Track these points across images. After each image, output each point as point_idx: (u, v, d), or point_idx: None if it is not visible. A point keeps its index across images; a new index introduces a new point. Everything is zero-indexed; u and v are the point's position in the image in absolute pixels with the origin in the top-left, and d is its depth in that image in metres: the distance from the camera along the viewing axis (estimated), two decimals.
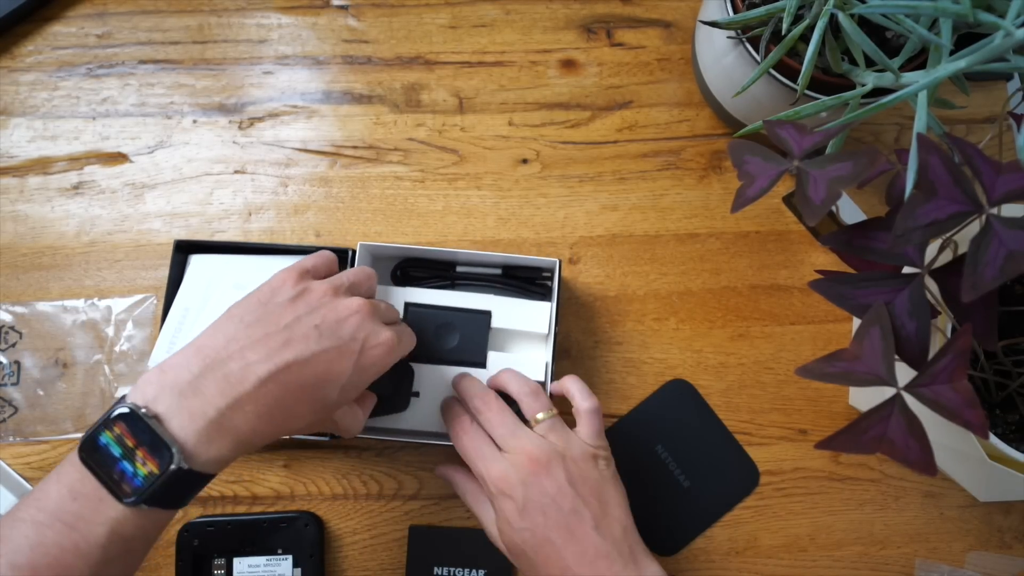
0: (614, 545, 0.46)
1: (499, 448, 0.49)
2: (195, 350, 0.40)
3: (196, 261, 0.63)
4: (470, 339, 0.58)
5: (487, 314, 0.58)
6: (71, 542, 0.36)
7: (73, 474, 0.37)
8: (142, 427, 0.37)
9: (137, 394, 0.38)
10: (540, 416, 0.50)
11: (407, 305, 0.58)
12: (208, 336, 0.41)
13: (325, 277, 0.49)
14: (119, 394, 0.62)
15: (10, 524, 0.36)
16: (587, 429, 0.51)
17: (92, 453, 0.37)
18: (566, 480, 0.47)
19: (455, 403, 0.54)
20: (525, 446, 0.48)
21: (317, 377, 0.41)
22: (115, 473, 0.37)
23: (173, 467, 0.37)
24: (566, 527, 0.45)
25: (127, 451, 0.37)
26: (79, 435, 0.62)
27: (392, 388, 0.53)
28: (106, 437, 0.37)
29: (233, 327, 0.41)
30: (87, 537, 0.36)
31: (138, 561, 0.40)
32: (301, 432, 0.45)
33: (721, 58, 0.60)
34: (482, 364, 0.58)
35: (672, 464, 0.62)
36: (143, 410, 0.37)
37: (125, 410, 0.37)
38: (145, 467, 0.37)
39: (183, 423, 0.37)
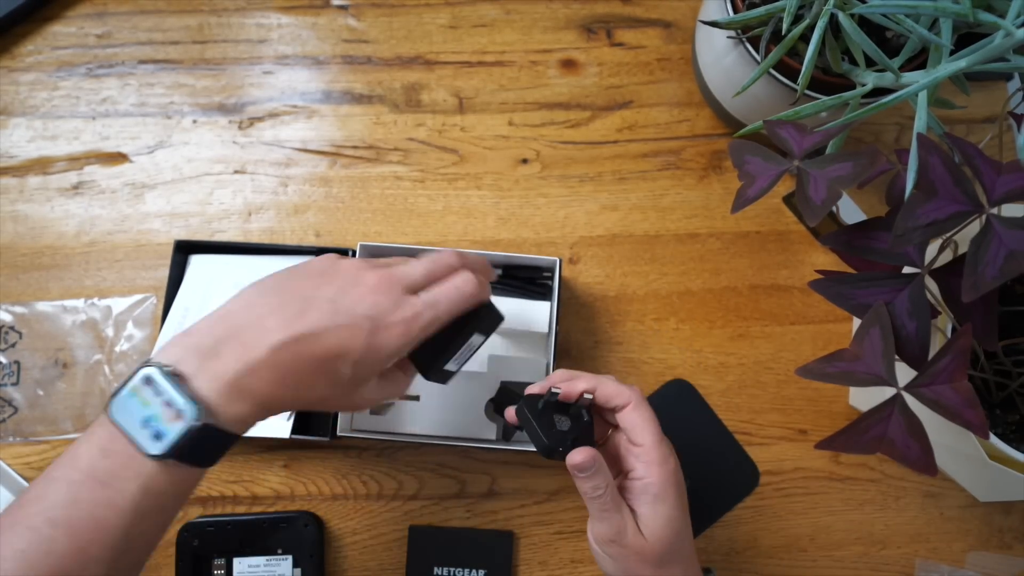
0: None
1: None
2: (218, 316, 0.42)
3: (196, 261, 0.63)
4: None
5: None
6: (105, 498, 0.37)
7: (103, 433, 0.38)
8: (167, 386, 0.38)
9: (162, 355, 0.40)
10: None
11: None
12: (231, 302, 0.43)
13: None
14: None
15: (45, 483, 0.38)
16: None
17: (120, 412, 0.38)
18: None
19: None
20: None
21: (328, 351, 0.41)
22: (143, 430, 0.38)
23: (197, 423, 0.37)
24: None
25: (153, 409, 0.38)
26: (79, 435, 0.62)
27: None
28: (132, 395, 0.38)
29: (256, 294, 0.43)
30: (120, 493, 0.37)
31: (170, 518, 0.41)
32: (326, 406, 0.44)
33: (721, 58, 0.60)
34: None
35: None
36: (167, 368, 0.38)
37: (151, 370, 0.38)
38: (171, 424, 0.37)
39: (205, 383, 0.39)
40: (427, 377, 0.48)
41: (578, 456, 0.42)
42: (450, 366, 0.48)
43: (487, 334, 0.50)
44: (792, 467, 0.63)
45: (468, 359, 0.50)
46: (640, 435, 0.43)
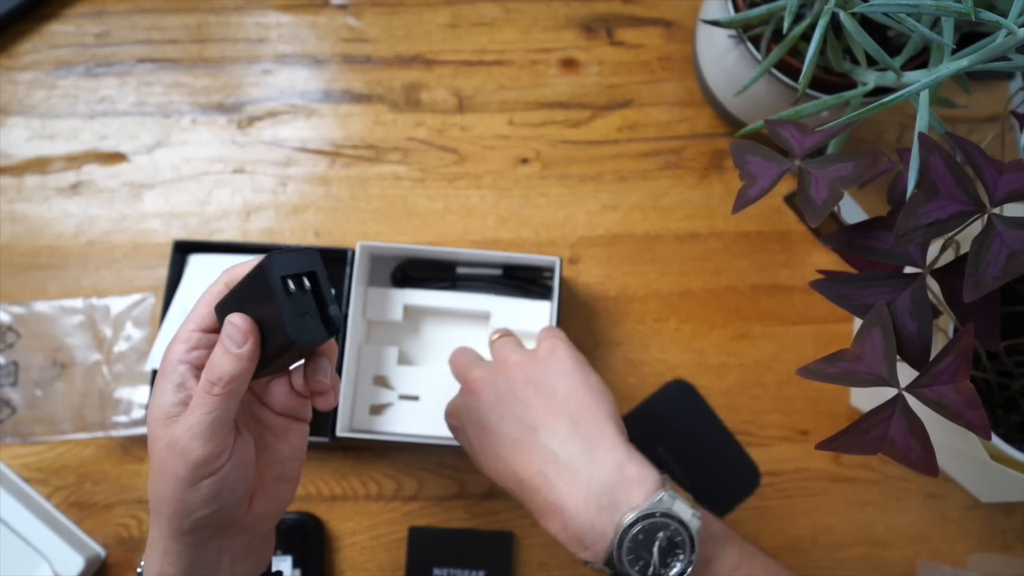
0: (561, 442, 0.46)
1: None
2: None
3: (195, 261, 0.63)
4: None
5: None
6: None
7: None
8: None
9: None
10: (494, 337, 0.54)
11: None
12: None
13: None
14: (117, 395, 0.62)
15: None
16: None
17: None
18: (507, 388, 0.49)
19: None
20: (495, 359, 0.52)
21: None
22: None
23: None
24: (512, 439, 0.47)
25: None
26: (78, 436, 0.62)
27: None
28: None
29: None
30: None
31: None
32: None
33: (722, 57, 0.60)
34: None
35: (673, 465, 0.62)
36: None
37: None
38: None
39: None
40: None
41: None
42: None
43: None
44: (793, 468, 0.62)
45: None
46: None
